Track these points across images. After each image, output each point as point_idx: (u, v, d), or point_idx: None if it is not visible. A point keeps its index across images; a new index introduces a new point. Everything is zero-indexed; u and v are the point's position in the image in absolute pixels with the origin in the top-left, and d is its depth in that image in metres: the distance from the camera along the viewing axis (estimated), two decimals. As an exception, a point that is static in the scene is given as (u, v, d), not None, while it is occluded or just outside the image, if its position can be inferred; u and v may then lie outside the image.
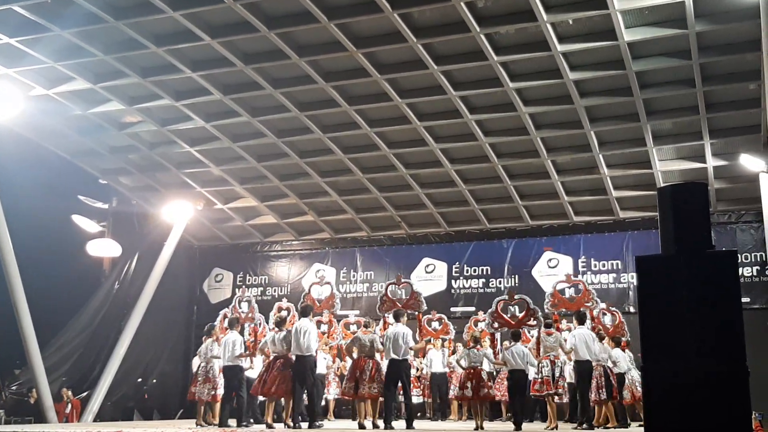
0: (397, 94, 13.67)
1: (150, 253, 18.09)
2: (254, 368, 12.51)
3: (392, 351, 11.04)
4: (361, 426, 11.12)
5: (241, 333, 12.51)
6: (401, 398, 12.00)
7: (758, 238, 15.45)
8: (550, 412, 11.88)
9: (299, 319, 11.78)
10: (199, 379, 12.23)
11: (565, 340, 11.94)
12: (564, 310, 12.88)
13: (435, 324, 14.93)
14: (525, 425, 11.40)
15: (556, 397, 12.09)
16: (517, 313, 12.44)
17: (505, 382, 12.44)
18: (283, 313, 13.23)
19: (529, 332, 13.03)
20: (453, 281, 18.08)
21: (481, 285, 17.87)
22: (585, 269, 16.94)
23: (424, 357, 14.92)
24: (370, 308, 16.41)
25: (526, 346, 12.03)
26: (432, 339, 14.75)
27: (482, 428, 11.17)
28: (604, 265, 16.96)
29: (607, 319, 13.25)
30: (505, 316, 12.13)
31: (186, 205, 18.07)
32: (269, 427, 11.24)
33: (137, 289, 17.55)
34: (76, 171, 17.44)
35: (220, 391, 12.21)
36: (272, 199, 18.07)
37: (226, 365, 12.00)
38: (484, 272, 17.94)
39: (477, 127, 14.48)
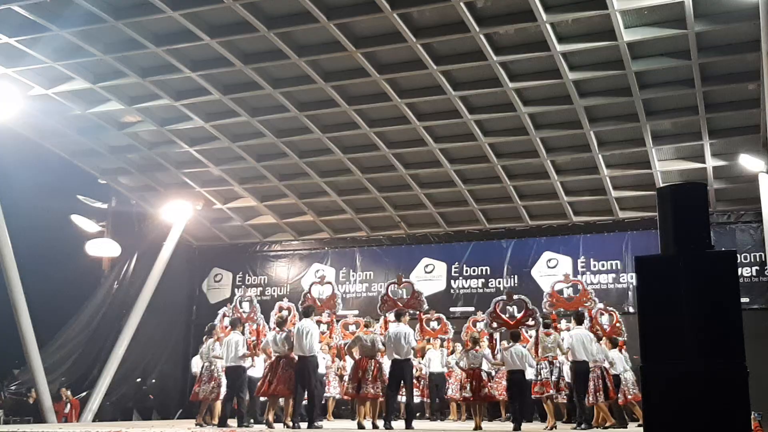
0: (396, 94, 13.67)
1: (149, 253, 18.09)
2: (255, 367, 12.52)
3: (395, 351, 11.03)
4: (361, 426, 11.12)
5: (242, 333, 12.50)
6: (401, 398, 12.00)
7: (757, 239, 15.45)
8: (548, 412, 11.88)
9: (301, 319, 11.77)
10: (204, 379, 12.23)
11: (563, 340, 11.94)
12: (562, 310, 12.88)
13: (433, 324, 14.94)
14: (524, 426, 11.40)
15: (557, 398, 12.06)
16: (516, 314, 12.43)
17: (504, 382, 12.44)
18: (284, 313, 13.21)
19: (527, 332, 13.03)
20: (452, 281, 18.07)
21: (480, 285, 17.87)
22: (584, 269, 16.93)
23: (422, 357, 14.92)
24: (370, 308, 16.39)
25: (524, 347, 12.03)
26: (430, 339, 14.75)
27: (481, 428, 11.18)
28: (603, 266, 16.96)
29: (605, 319, 13.23)
30: (503, 316, 12.12)
31: (185, 205, 18.06)
32: (269, 425, 11.24)
33: (136, 289, 17.55)
34: (76, 171, 17.44)
35: (224, 390, 12.21)
36: (272, 199, 18.06)
37: (229, 366, 11.94)
38: (484, 272, 17.94)
39: (476, 127, 14.48)
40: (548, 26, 11.50)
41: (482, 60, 12.44)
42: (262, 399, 12.78)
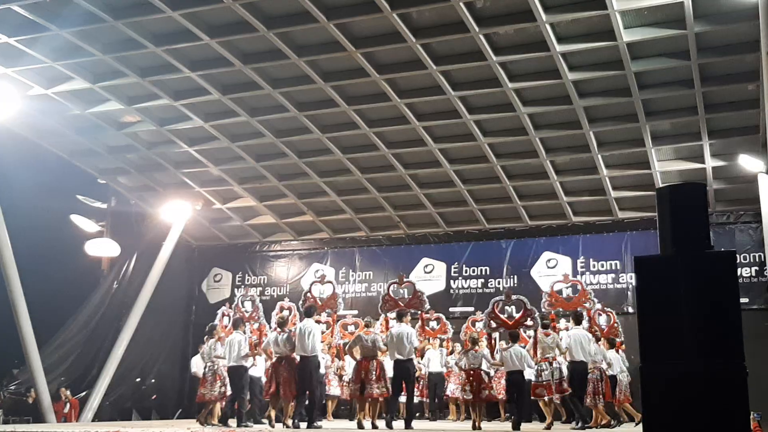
0: (396, 94, 13.67)
1: (148, 252, 18.09)
2: (256, 366, 12.50)
3: (397, 351, 11.01)
4: (360, 425, 11.11)
5: (244, 332, 12.47)
6: (402, 398, 11.99)
7: (757, 239, 15.45)
8: (546, 412, 11.87)
9: (302, 319, 11.75)
10: (208, 380, 12.19)
11: (561, 340, 11.93)
12: (561, 309, 12.88)
13: (433, 323, 14.93)
14: (523, 426, 11.39)
15: (556, 398, 12.05)
16: (514, 314, 12.42)
17: (502, 382, 12.43)
18: (285, 313, 13.19)
19: (525, 333, 13.02)
20: (452, 281, 18.06)
21: (479, 285, 17.87)
22: (584, 269, 16.93)
23: (422, 357, 14.91)
24: (369, 308, 16.39)
25: (523, 347, 12.02)
26: (429, 338, 14.75)
27: (480, 428, 11.17)
28: (602, 266, 16.96)
29: (602, 320, 13.24)
30: (502, 316, 12.12)
31: (185, 205, 18.06)
32: (271, 424, 11.23)
33: (136, 289, 17.55)
34: (75, 171, 17.44)
35: (229, 390, 12.18)
36: (271, 199, 18.06)
37: (231, 366, 11.91)
38: (483, 272, 17.93)
39: (476, 127, 14.47)
40: (548, 26, 11.50)
41: (482, 60, 12.44)
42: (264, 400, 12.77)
